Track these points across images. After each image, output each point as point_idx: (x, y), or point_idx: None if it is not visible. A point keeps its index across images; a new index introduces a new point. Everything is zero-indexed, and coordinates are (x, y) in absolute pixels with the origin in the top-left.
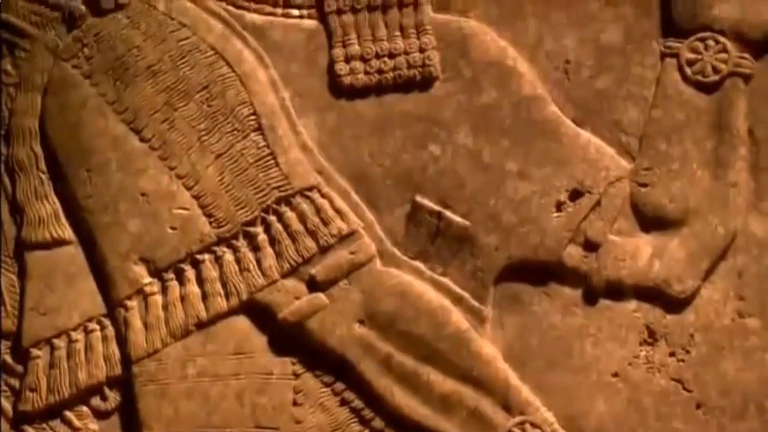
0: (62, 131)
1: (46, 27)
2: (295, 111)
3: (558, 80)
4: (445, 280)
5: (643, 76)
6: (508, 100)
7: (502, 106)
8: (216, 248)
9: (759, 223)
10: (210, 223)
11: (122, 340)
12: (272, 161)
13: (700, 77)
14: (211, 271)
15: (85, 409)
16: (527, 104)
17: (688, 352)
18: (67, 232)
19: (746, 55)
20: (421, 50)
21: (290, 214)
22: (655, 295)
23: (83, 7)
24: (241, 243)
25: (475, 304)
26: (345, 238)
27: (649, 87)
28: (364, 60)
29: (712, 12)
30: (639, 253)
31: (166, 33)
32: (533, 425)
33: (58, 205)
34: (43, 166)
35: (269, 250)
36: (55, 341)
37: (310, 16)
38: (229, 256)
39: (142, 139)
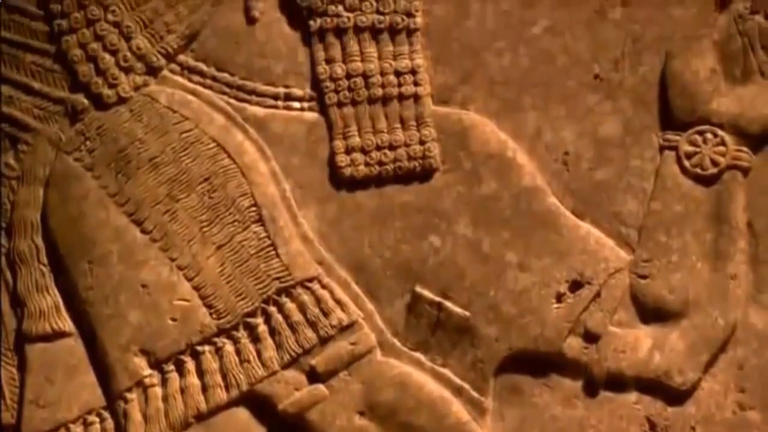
0: (64, 223)
1: (49, 120)
2: (295, 202)
3: (557, 172)
4: (446, 371)
5: (643, 168)
6: (508, 192)
7: (502, 198)
8: (216, 339)
9: (759, 316)
10: (210, 314)
11: None
12: (273, 252)
13: (698, 170)
14: (211, 363)
15: None
16: (527, 195)
17: None
18: (68, 325)
19: (744, 149)
20: (422, 142)
21: (290, 305)
22: (656, 387)
23: (86, 101)
24: (242, 334)
25: (476, 395)
26: (345, 329)
27: (648, 179)
28: (364, 152)
29: (710, 106)
30: (639, 345)
31: (169, 125)
32: None
33: (58, 297)
34: (44, 258)
35: (269, 341)
36: None
37: (310, 109)
38: (229, 347)
39: (144, 231)
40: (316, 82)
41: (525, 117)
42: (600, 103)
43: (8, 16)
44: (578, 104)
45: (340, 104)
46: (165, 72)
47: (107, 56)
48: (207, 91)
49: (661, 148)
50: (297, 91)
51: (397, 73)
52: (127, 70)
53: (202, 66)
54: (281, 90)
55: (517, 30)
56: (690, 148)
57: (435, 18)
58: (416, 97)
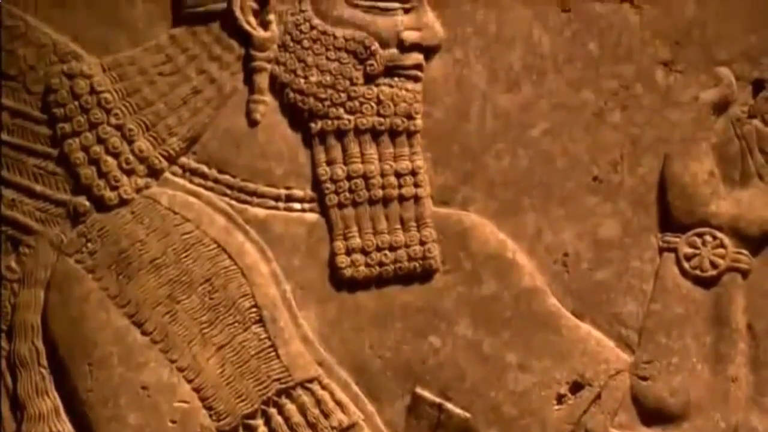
0: (64, 325)
1: (51, 223)
2: (296, 303)
3: (557, 273)
4: None
5: (642, 270)
6: (508, 292)
7: (503, 298)
8: None
9: (760, 419)
10: (210, 415)
11: None
12: (273, 353)
13: (698, 272)
14: None
15: None
16: (527, 296)
17: None
18: (67, 427)
19: (744, 251)
20: (422, 243)
21: (291, 407)
22: None
23: (87, 203)
24: None
25: None
26: (345, 430)
27: (648, 280)
28: (365, 253)
29: (709, 208)
30: None
31: (170, 227)
32: None
33: (58, 400)
34: (44, 361)
35: None
36: None
37: (311, 210)
38: None
39: (144, 333)
40: (316, 184)
41: (525, 218)
42: (599, 205)
43: (11, 120)
44: (578, 206)
45: (340, 205)
46: (167, 174)
47: (110, 159)
48: (208, 193)
49: (661, 250)
50: (298, 192)
51: (398, 175)
52: (129, 173)
53: (204, 168)
54: (282, 191)
55: (517, 132)
56: (689, 250)
57: (435, 120)
58: (416, 198)
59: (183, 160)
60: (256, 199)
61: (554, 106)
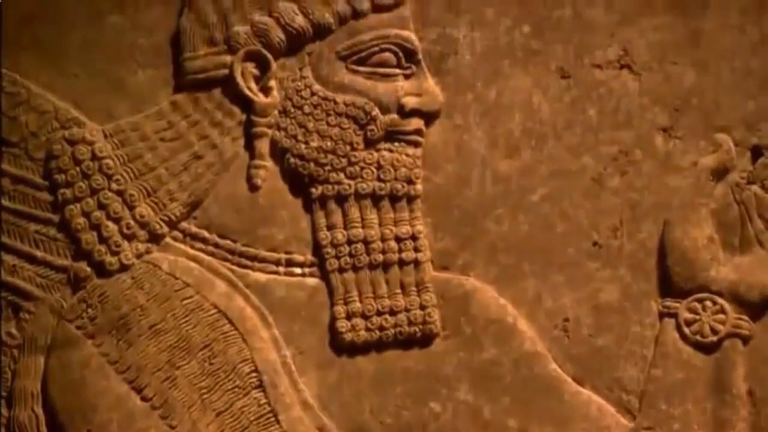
0: (64, 391)
1: (52, 289)
2: (296, 368)
3: (557, 338)
4: None
5: (643, 335)
6: (508, 358)
7: (503, 363)
8: None
9: None
10: None
11: None
12: (273, 419)
13: (699, 337)
14: None
15: None
16: (528, 361)
17: None
18: None
19: (744, 317)
20: (422, 307)
21: None
22: None
23: (88, 269)
24: None
25: None
26: None
27: (648, 346)
28: (365, 317)
29: (709, 273)
30: None
31: (170, 292)
32: None
33: None
34: (44, 428)
35: None
36: None
37: (311, 275)
38: None
39: (144, 398)
40: (317, 248)
41: (525, 283)
42: (599, 270)
43: (12, 186)
44: (578, 271)
45: (341, 270)
46: (168, 239)
47: (111, 224)
48: (209, 258)
49: (661, 315)
50: (298, 257)
51: (398, 239)
52: (130, 238)
53: (205, 233)
54: (283, 256)
55: (517, 197)
56: (690, 316)
57: (435, 185)
58: (417, 263)
59: (184, 225)
60: (257, 264)
61: (554, 172)
